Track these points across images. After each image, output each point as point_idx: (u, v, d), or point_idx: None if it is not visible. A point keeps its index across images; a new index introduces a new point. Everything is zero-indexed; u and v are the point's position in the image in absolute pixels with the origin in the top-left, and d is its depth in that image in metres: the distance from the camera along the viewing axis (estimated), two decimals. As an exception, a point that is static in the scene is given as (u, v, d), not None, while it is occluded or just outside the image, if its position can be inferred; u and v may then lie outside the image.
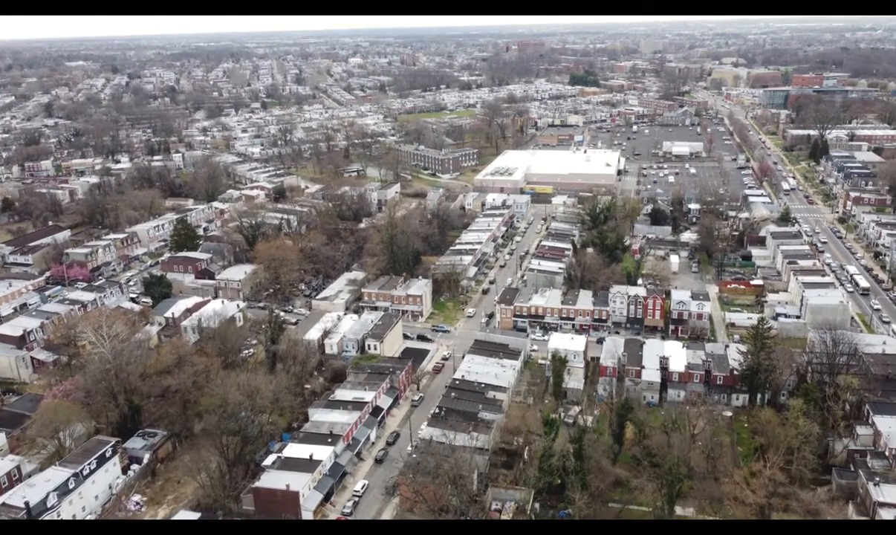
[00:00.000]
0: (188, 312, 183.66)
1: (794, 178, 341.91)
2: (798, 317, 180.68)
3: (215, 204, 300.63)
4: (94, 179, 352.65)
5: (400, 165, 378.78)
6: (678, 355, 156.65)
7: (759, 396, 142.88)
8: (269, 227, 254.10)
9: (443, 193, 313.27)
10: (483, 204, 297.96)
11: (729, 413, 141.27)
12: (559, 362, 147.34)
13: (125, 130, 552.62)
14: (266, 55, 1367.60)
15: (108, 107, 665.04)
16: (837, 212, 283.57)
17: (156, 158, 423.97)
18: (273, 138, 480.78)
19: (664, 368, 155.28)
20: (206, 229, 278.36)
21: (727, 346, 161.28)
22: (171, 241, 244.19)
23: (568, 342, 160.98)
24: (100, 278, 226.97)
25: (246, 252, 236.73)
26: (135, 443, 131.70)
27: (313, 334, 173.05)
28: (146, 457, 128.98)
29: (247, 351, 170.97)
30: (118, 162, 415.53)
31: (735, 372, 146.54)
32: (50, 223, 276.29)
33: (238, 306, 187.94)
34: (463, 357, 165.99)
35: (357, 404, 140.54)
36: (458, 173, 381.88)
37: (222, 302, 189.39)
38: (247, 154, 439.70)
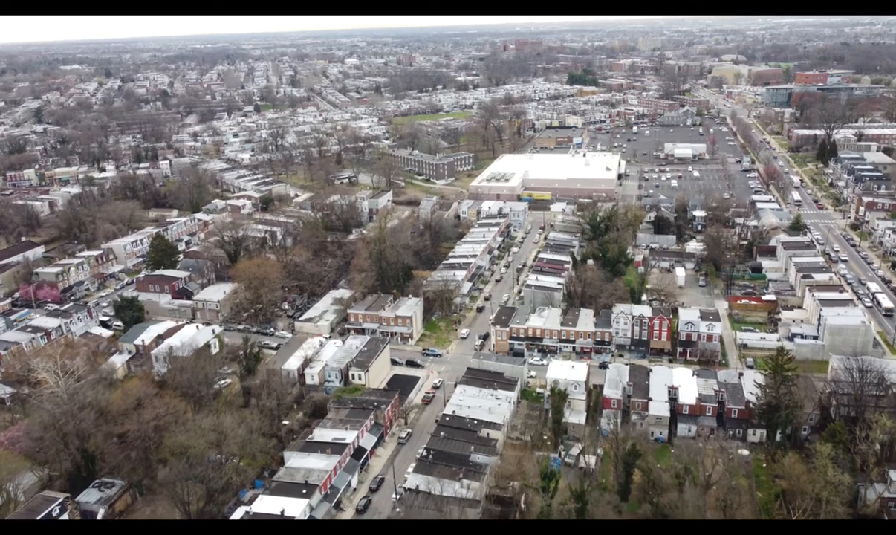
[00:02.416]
0: (160, 338, 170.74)
1: (801, 181, 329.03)
2: (815, 338, 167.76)
3: (198, 215, 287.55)
4: (76, 190, 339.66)
5: (393, 171, 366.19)
6: (688, 385, 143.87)
7: (778, 431, 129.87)
8: (252, 241, 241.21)
9: (436, 201, 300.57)
10: (478, 212, 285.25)
11: (746, 452, 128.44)
12: (559, 397, 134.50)
13: (114, 135, 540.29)
14: (262, 56, 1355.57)
15: (98, 112, 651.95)
16: (849, 218, 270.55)
17: (142, 165, 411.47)
18: (264, 143, 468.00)
19: (673, 398, 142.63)
20: (188, 243, 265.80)
21: (741, 374, 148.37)
22: (148, 258, 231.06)
23: (568, 371, 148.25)
24: (72, 298, 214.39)
25: (227, 268, 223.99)
26: (89, 496, 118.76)
27: (293, 362, 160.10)
28: (101, 512, 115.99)
29: (221, 382, 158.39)
30: (103, 170, 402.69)
31: (751, 405, 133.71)
32: (23, 239, 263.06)
33: (213, 331, 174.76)
34: (455, 386, 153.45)
35: (337, 446, 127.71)
36: (453, 179, 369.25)
37: (197, 327, 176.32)
38: (236, 160, 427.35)
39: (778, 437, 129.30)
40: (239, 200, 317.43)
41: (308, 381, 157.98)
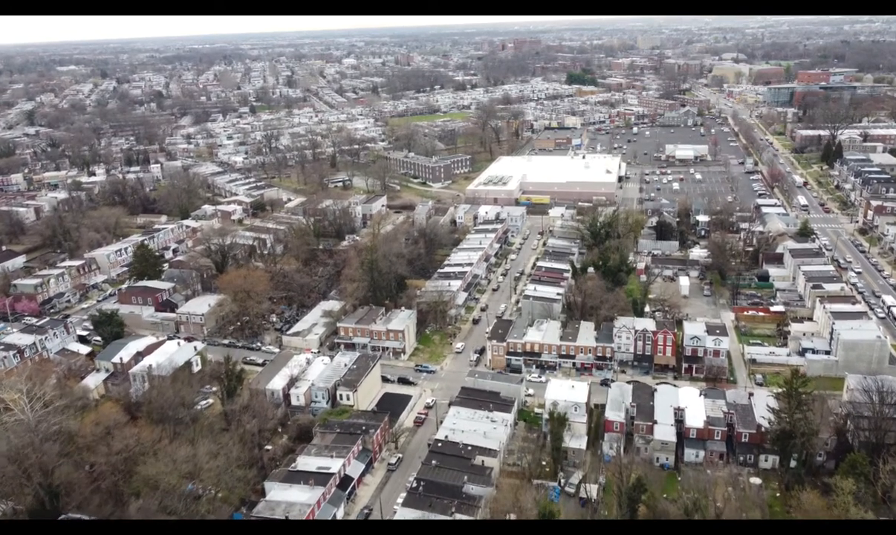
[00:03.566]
0: (139, 355, 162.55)
1: (805, 183, 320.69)
2: (828, 353, 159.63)
3: (186, 222, 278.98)
4: (63, 195, 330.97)
5: (388, 174, 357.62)
6: (695, 406, 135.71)
7: (792, 458, 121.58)
8: (240, 249, 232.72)
9: (432, 205, 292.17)
10: (475, 217, 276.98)
11: (758, 481, 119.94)
12: (558, 422, 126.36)
13: (107, 138, 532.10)
14: (260, 57, 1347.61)
15: (91, 114, 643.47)
16: (857, 222, 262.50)
17: (132, 169, 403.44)
18: (258, 146, 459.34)
19: (679, 420, 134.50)
20: (175, 251, 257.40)
21: (751, 394, 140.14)
22: (132, 268, 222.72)
23: (567, 392, 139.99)
24: (51, 311, 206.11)
25: (214, 278, 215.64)
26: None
27: (277, 382, 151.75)
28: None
29: (203, 402, 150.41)
30: (93, 174, 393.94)
31: (763, 430, 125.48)
32: (3, 248, 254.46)
33: (195, 348, 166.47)
34: (449, 406, 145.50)
35: (321, 477, 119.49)
36: (449, 182, 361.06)
37: (178, 343, 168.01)
38: (229, 163, 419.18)
39: (792, 463, 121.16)
40: (229, 205, 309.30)
41: (294, 401, 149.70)
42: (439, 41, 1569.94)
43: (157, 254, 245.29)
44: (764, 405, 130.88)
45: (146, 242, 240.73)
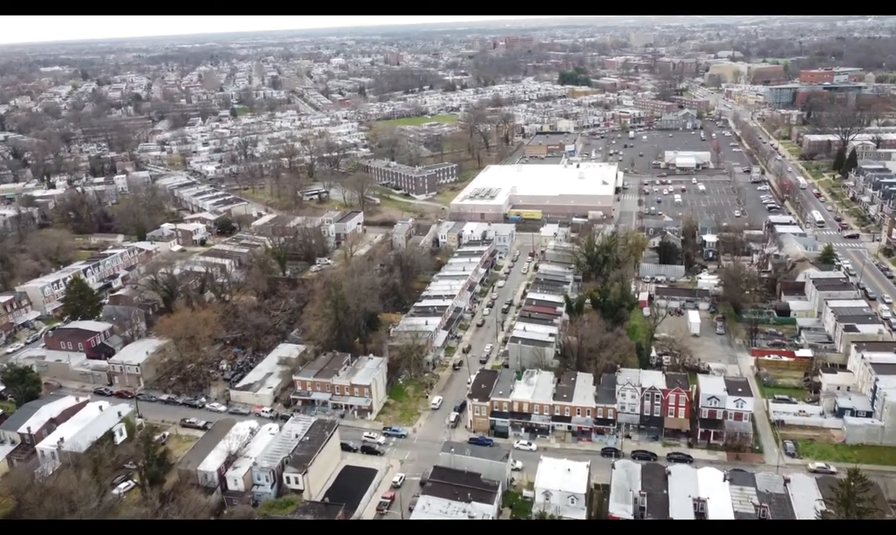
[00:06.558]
0: (52, 423, 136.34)
1: (819, 194, 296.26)
2: (870, 414, 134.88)
3: (140, 245, 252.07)
4: (12, 212, 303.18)
5: (368, 185, 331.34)
6: (719, 497, 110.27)
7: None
8: (194, 278, 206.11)
9: (412, 223, 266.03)
10: (459, 237, 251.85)
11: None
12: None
13: (77, 144, 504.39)
14: (248, 56, 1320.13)
15: (65, 118, 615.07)
16: (880, 240, 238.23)
17: (96, 180, 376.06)
18: (232, 153, 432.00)
19: (700, 513, 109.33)
20: (125, 279, 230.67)
21: (787, 480, 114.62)
22: (65, 304, 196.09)
23: (563, 477, 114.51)
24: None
25: (162, 314, 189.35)
26: None
27: (212, 461, 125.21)
28: None
29: (124, 485, 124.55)
30: (53, 186, 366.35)
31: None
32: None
33: (119, 413, 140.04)
34: (421, 485, 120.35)
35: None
36: (434, 193, 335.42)
37: (100, 408, 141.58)
38: (201, 172, 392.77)
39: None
40: (192, 223, 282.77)
41: (231, 486, 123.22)
42: (430, 39, 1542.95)
43: (102, 284, 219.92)
44: (803, 496, 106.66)
45: (88, 271, 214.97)
